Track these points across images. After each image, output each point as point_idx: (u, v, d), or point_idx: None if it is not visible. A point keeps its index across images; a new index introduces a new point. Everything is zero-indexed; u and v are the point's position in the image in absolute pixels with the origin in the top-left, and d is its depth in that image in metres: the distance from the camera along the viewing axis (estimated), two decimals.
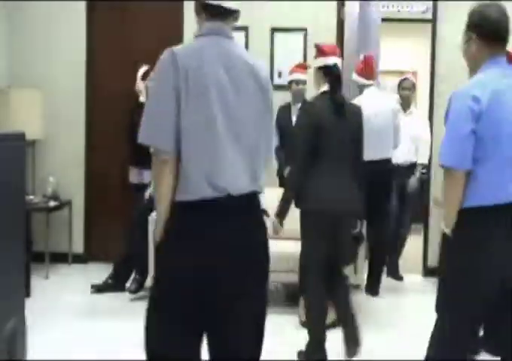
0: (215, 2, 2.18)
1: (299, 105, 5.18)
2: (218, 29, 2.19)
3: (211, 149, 2.05)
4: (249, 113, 2.14)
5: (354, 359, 3.69)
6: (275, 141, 3.23)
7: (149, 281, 4.79)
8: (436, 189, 5.62)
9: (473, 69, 2.61)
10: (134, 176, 5.27)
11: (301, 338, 4.02)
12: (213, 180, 2.05)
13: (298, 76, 5.13)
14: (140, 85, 5.10)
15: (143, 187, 5.06)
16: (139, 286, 4.92)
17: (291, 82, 5.18)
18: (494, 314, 2.54)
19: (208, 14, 2.19)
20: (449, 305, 2.55)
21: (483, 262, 2.44)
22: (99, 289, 4.94)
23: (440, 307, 2.60)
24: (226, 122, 2.07)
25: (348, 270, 4.60)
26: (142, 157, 5.18)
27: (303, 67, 5.23)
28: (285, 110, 5.23)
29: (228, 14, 2.23)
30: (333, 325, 4.28)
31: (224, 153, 2.07)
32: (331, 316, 4.28)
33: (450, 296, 2.55)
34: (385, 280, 5.30)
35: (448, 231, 2.55)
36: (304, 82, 5.14)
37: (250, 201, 2.15)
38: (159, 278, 2.13)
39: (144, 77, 5.20)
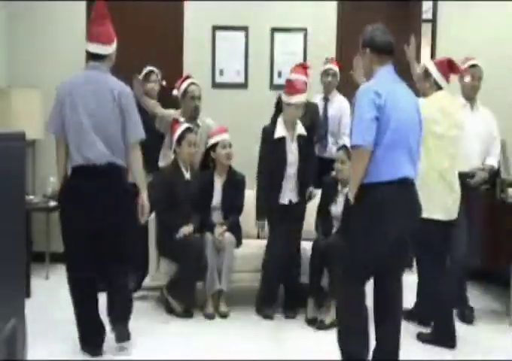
0: (92, 51, 3.59)
1: None
2: (93, 66, 3.61)
3: (80, 135, 3.52)
4: (106, 115, 3.52)
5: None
6: None
7: (148, 281, 4.81)
8: None
9: (369, 76, 3.31)
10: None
11: (303, 338, 4.03)
12: (82, 153, 3.51)
13: (298, 76, 5.12)
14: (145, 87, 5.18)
15: None
16: (138, 285, 4.92)
17: None
18: (384, 267, 3.22)
19: (90, 56, 3.64)
20: (350, 257, 3.21)
21: (380, 226, 3.07)
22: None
23: (341, 258, 3.34)
24: (89, 121, 3.50)
25: None
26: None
27: (303, 67, 5.22)
28: None
29: (102, 57, 3.60)
30: (334, 325, 4.29)
31: (88, 138, 3.50)
32: (332, 315, 4.30)
33: (351, 250, 3.21)
34: None
35: (352, 200, 3.14)
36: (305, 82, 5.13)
37: (110, 168, 3.54)
38: (62, 219, 3.66)
39: (146, 78, 5.21)
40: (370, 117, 3.05)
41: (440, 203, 3.95)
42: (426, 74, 4.10)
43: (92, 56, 3.59)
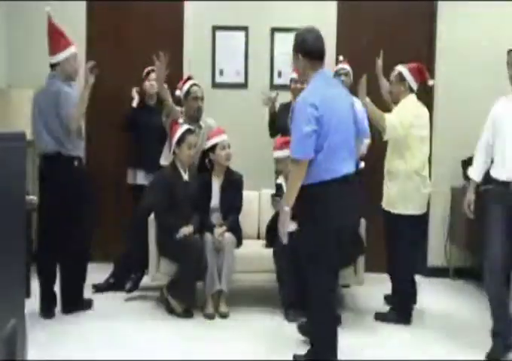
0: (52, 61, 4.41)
1: None
2: (51, 74, 4.42)
3: (34, 129, 4.37)
4: (50, 111, 4.26)
5: (357, 358, 3.70)
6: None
7: (148, 281, 4.81)
8: None
9: (305, 80, 3.45)
10: (131, 177, 5.28)
11: (302, 338, 4.03)
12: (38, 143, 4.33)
13: (297, 75, 5.13)
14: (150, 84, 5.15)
15: (141, 188, 5.06)
16: (134, 286, 4.93)
17: (294, 81, 5.16)
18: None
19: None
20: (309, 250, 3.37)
21: (327, 220, 3.27)
22: (99, 288, 4.94)
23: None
24: (40, 118, 4.30)
25: (347, 270, 4.62)
26: (139, 158, 5.20)
27: None
28: (285, 108, 5.24)
29: (52, 66, 4.42)
30: None
31: (37, 131, 4.31)
32: None
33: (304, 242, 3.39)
34: (385, 280, 5.28)
35: (287, 209, 3.28)
36: (303, 82, 5.13)
37: (56, 156, 4.25)
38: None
39: (146, 76, 5.20)
40: (309, 131, 3.21)
41: (415, 199, 4.38)
42: (401, 77, 4.47)
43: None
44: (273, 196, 4.78)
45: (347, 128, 3.39)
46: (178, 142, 4.56)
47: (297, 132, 3.27)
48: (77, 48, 4.59)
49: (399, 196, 4.39)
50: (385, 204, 4.51)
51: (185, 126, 4.61)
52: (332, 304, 3.46)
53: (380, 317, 4.48)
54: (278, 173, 5.20)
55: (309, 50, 3.36)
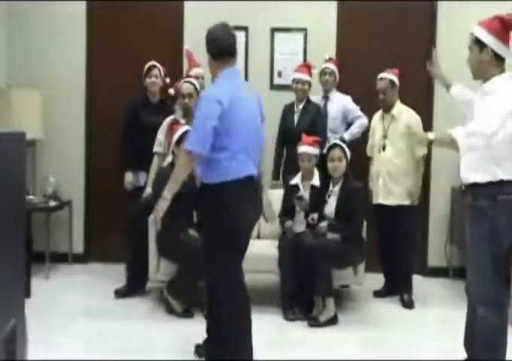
0: None
1: (301, 105, 5.19)
2: None
3: None
4: None
5: (356, 359, 3.70)
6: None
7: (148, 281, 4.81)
8: None
9: (213, 79, 3.44)
10: (133, 179, 5.14)
11: (303, 338, 4.03)
12: None
13: (302, 76, 5.13)
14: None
15: (140, 188, 5.04)
16: (141, 288, 4.92)
17: (296, 81, 5.16)
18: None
19: None
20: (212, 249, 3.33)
21: (227, 218, 3.24)
22: (122, 294, 4.87)
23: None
24: None
25: (347, 271, 4.62)
26: (140, 158, 5.11)
27: (307, 67, 5.23)
28: (288, 109, 5.24)
29: None
30: (332, 322, 4.31)
31: None
32: (329, 313, 4.31)
33: (210, 241, 3.34)
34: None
35: (169, 197, 3.30)
36: (308, 82, 5.14)
37: None
38: None
39: (146, 73, 5.12)
40: (209, 127, 3.17)
41: (407, 191, 4.87)
42: (392, 84, 4.88)
43: None
44: (297, 198, 4.72)
45: (252, 129, 3.37)
46: (177, 142, 4.55)
47: (196, 125, 3.23)
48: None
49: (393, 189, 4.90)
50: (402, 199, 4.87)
51: (185, 127, 4.60)
52: (234, 306, 3.39)
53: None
54: (276, 173, 5.21)
55: (217, 48, 3.34)
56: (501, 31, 3.19)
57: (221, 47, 3.33)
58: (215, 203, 3.28)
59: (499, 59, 3.19)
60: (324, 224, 4.48)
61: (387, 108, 4.93)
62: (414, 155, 4.86)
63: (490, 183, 3.09)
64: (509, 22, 3.18)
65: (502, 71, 3.20)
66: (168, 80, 5.14)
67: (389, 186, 4.87)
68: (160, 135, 4.83)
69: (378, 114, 5.07)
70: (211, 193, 3.29)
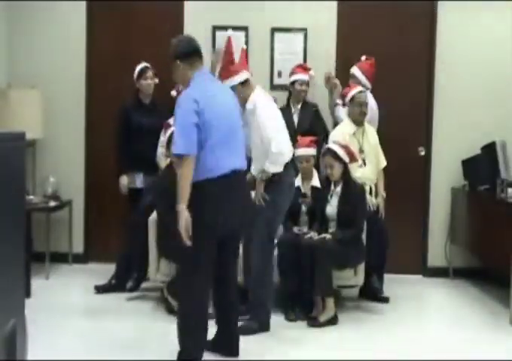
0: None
1: (299, 106, 5.19)
2: None
3: None
4: None
5: (356, 359, 3.70)
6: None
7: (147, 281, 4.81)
8: None
9: (185, 84, 3.48)
10: (124, 182, 5.11)
11: (303, 338, 4.03)
12: None
13: (302, 76, 5.13)
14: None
15: (138, 190, 5.03)
16: (136, 285, 4.92)
17: (293, 82, 5.16)
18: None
19: None
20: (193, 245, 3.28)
21: (213, 217, 3.29)
22: (101, 289, 4.92)
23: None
24: None
25: (347, 271, 4.62)
26: (136, 160, 5.08)
27: (304, 68, 5.22)
28: (286, 110, 5.23)
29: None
30: (332, 322, 4.31)
31: None
32: (329, 313, 4.31)
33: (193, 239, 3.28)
34: (385, 280, 5.29)
35: (183, 207, 3.23)
36: (307, 83, 5.14)
37: None
38: None
39: (140, 75, 5.10)
40: (191, 123, 3.25)
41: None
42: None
43: None
44: (302, 195, 4.71)
45: (231, 125, 3.43)
46: (167, 144, 4.54)
47: (178, 126, 3.30)
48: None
49: None
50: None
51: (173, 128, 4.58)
52: (200, 306, 3.42)
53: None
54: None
55: (185, 51, 3.48)
56: None
57: (189, 49, 3.50)
58: (196, 201, 3.27)
59: None
60: (309, 235, 4.47)
61: (361, 122, 4.83)
62: (378, 165, 4.90)
63: None
64: None
65: None
66: (157, 80, 5.14)
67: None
68: (163, 137, 4.83)
69: (346, 130, 4.82)
70: (196, 190, 3.26)
